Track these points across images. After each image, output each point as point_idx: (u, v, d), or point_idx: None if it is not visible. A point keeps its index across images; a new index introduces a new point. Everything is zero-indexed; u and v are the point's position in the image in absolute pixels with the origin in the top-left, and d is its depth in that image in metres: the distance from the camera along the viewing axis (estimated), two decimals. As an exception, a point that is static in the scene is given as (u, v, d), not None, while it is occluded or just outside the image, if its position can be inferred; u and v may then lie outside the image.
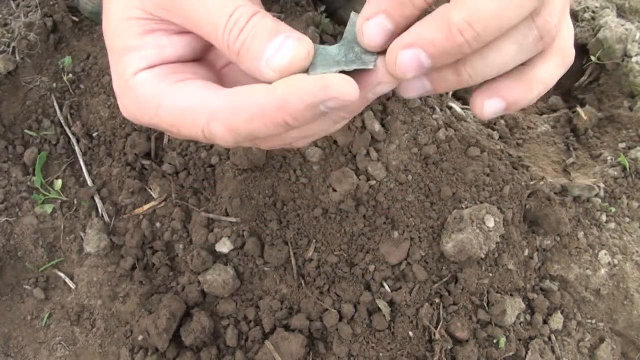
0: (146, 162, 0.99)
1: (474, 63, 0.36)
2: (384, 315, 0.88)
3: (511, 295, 0.95)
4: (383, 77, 0.37)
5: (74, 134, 1.02)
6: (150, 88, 0.39)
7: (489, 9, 0.33)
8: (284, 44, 0.35)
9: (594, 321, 0.99)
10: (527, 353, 0.93)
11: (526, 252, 0.98)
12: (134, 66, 0.39)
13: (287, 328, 0.88)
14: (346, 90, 0.34)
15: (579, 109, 1.18)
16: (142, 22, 0.39)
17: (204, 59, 0.45)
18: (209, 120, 0.36)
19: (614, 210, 1.04)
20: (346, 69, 0.36)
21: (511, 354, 0.92)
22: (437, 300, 0.92)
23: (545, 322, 0.97)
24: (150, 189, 0.98)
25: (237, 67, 0.41)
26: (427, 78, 0.38)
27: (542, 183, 1.00)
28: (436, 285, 0.92)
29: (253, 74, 0.37)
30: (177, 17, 0.38)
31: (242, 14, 0.36)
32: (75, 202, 0.98)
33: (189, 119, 0.37)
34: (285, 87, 0.34)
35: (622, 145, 1.11)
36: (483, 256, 0.92)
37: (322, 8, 1.16)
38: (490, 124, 1.12)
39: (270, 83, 0.35)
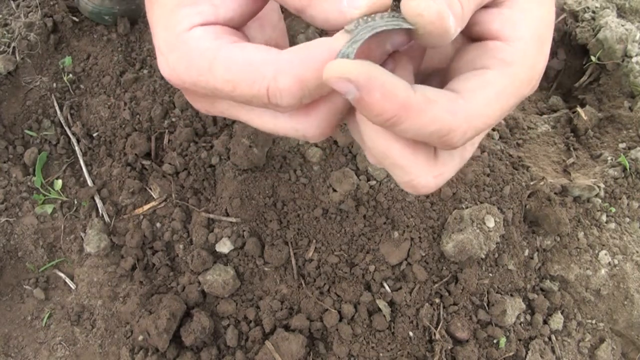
0: (146, 162, 0.99)
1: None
2: (384, 315, 0.88)
3: (511, 295, 0.95)
4: None
5: (74, 134, 1.02)
6: (205, 43, 0.37)
7: (491, 118, 0.36)
8: None
9: (594, 321, 0.99)
10: (527, 353, 0.93)
11: (526, 252, 0.98)
12: (187, 20, 0.38)
13: (287, 328, 0.88)
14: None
15: (579, 109, 1.18)
16: None
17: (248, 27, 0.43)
18: (276, 74, 0.34)
19: (614, 210, 1.04)
20: (380, 29, 0.35)
21: (511, 354, 0.92)
22: (437, 300, 0.92)
23: (545, 322, 0.97)
24: (150, 189, 0.98)
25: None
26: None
27: (542, 183, 1.00)
28: (436, 285, 0.92)
29: (327, 16, 0.35)
30: None
31: None
32: (75, 202, 0.98)
33: (250, 74, 0.35)
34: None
35: (622, 145, 1.11)
36: (483, 256, 0.92)
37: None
38: (490, 124, 1.12)
39: (343, 27, 0.35)
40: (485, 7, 0.39)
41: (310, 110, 0.37)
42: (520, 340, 0.94)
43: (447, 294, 0.92)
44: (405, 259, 0.92)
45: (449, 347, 0.89)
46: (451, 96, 0.36)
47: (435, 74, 0.44)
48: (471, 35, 0.40)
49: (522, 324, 0.95)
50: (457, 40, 0.41)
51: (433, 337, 0.90)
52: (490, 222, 0.91)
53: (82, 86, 1.05)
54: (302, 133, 0.39)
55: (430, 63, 0.45)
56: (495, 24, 0.39)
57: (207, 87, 0.37)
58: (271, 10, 0.45)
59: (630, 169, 1.05)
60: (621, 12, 1.29)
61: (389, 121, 0.34)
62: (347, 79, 0.32)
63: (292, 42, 1.00)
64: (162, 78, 1.04)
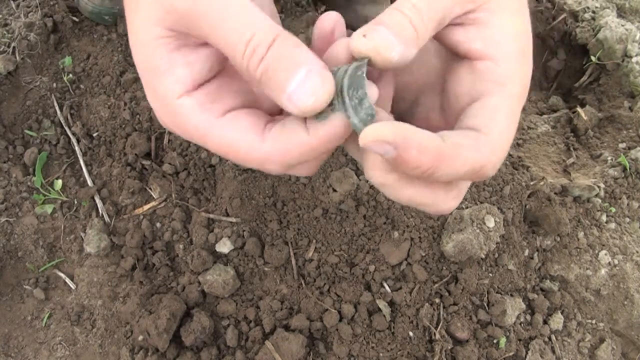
0: (146, 162, 0.99)
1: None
2: (384, 315, 0.88)
3: (511, 295, 0.95)
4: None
5: (74, 134, 1.02)
6: (194, 119, 0.40)
7: (510, 140, 0.39)
8: (307, 80, 0.36)
9: (594, 321, 0.99)
10: (527, 353, 0.93)
11: (526, 252, 0.98)
12: (171, 90, 0.40)
13: (287, 328, 0.88)
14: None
15: (579, 109, 1.18)
16: (168, 41, 0.40)
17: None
18: (263, 161, 0.39)
19: (614, 210, 1.04)
20: (355, 122, 0.38)
21: (511, 354, 0.92)
22: (437, 300, 0.92)
23: (545, 322, 0.96)
24: (150, 189, 0.98)
25: None
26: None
27: (542, 183, 1.00)
28: (436, 285, 0.92)
29: (275, 100, 0.38)
30: (198, 31, 0.38)
31: (261, 40, 0.36)
32: (75, 202, 0.98)
33: (242, 156, 0.40)
34: (325, 129, 0.38)
35: (622, 145, 1.11)
36: (483, 256, 0.92)
37: (322, 8, 1.16)
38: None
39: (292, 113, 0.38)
40: (462, 24, 0.41)
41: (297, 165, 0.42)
42: (520, 340, 0.94)
43: (447, 294, 0.92)
44: (405, 259, 0.92)
45: (449, 347, 0.89)
46: (474, 135, 0.39)
47: (429, 90, 0.47)
48: (456, 53, 0.43)
49: (522, 324, 0.95)
50: (442, 55, 0.45)
51: (433, 337, 0.90)
52: (490, 222, 0.91)
53: (82, 86, 1.05)
54: (292, 174, 0.44)
55: (419, 77, 0.47)
56: (477, 43, 0.41)
57: (203, 146, 0.43)
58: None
59: (630, 169, 1.05)
60: (621, 12, 1.29)
61: (426, 172, 0.37)
62: (385, 141, 0.35)
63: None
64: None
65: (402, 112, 0.48)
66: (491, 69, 0.41)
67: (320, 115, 0.38)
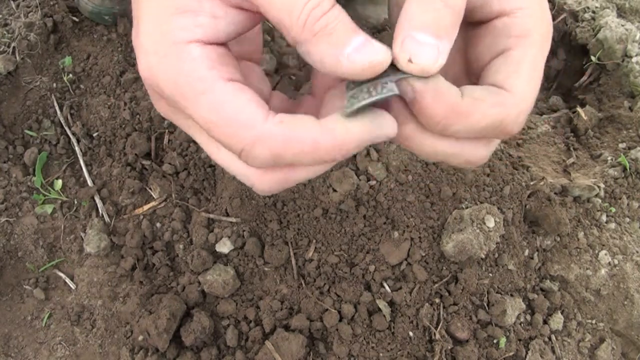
0: (146, 162, 0.99)
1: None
2: (384, 315, 0.88)
3: (511, 295, 0.95)
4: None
5: (74, 134, 1.02)
6: (200, 69, 0.36)
7: (535, 91, 0.38)
8: (367, 45, 0.36)
9: (594, 321, 0.99)
10: (527, 353, 0.93)
11: (526, 252, 0.98)
12: (186, 33, 0.37)
13: (287, 328, 0.88)
14: (392, 129, 0.37)
15: (579, 109, 1.18)
16: None
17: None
18: (255, 141, 0.35)
19: (614, 210, 1.04)
20: (377, 98, 0.37)
21: (511, 354, 0.92)
22: (437, 300, 0.92)
23: (545, 322, 0.96)
24: (150, 189, 0.98)
25: (244, 70, 0.42)
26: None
27: (542, 183, 1.00)
28: (436, 285, 0.92)
29: (324, 58, 0.36)
30: None
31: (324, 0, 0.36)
32: (75, 202, 0.98)
33: (231, 128, 0.36)
34: (344, 129, 0.36)
35: (622, 145, 1.11)
36: (483, 256, 0.92)
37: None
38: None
39: (340, 74, 0.36)
40: None
41: (269, 171, 0.39)
42: (520, 340, 0.94)
43: (447, 294, 0.92)
44: (405, 259, 0.92)
45: (449, 347, 0.89)
46: (494, 91, 0.38)
47: (451, 62, 0.45)
48: (475, 20, 0.42)
49: (522, 324, 0.95)
50: (461, 26, 0.43)
51: (433, 337, 0.90)
52: (490, 222, 0.91)
53: (82, 86, 1.05)
54: (252, 183, 0.40)
55: None
56: (493, 4, 0.40)
57: (182, 109, 0.37)
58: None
59: (630, 169, 1.05)
60: (621, 12, 1.29)
61: (440, 123, 0.36)
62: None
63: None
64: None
65: None
66: (509, 24, 0.40)
67: (349, 112, 0.37)
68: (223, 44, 0.39)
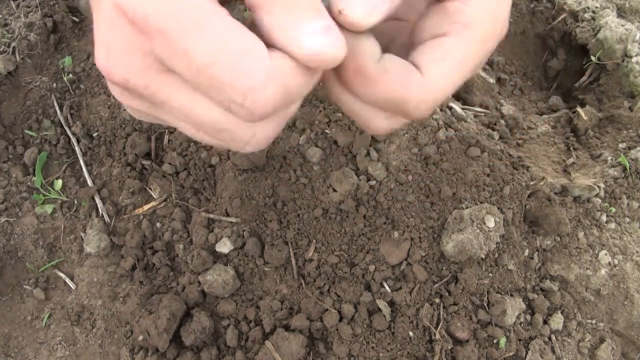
0: (146, 162, 0.99)
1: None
2: (384, 315, 0.88)
3: (511, 295, 0.95)
4: None
5: (74, 134, 1.02)
6: None
7: (448, 87, 0.38)
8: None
9: (594, 321, 0.99)
10: (527, 353, 0.93)
11: (526, 252, 0.98)
12: None
13: (287, 328, 0.88)
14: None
15: (579, 109, 1.18)
16: None
17: None
18: (267, 79, 0.31)
19: (614, 210, 1.04)
20: None
21: (511, 354, 0.92)
22: (437, 300, 0.92)
23: (545, 322, 0.97)
24: (150, 189, 0.98)
25: None
26: None
27: (542, 183, 1.00)
28: (436, 285, 0.92)
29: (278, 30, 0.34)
30: None
31: None
32: (75, 202, 0.98)
33: (241, 65, 0.31)
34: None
35: (622, 145, 1.11)
36: (483, 256, 0.92)
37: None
38: (490, 124, 1.12)
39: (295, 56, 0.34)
40: None
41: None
42: (520, 340, 0.94)
43: (447, 294, 0.92)
44: (405, 259, 0.92)
45: (449, 347, 0.89)
46: (409, 69, 0.37)
47: (406, 31, 0.45)
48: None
49: (522, 324, 0.95)
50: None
51: (433, 337, 0.90)
52: (490, 222, 0.91)
53: (82, 86, 1.05)
54: (248, 139, 0.37)
55: (403, 18, 0.45)
56: None
57: (176, 46, 0.31)
58: None
59: (630, 169, 1.05)
60: (621, 12, 1.29)
61: (347, 84, 0.36)
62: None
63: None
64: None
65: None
66: (460, 10, 0.38)
67: None
68: None
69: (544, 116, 1.21)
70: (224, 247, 0.91)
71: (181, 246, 0.93)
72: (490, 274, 0.94)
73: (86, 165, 1.00)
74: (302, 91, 0.35)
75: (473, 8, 0.38)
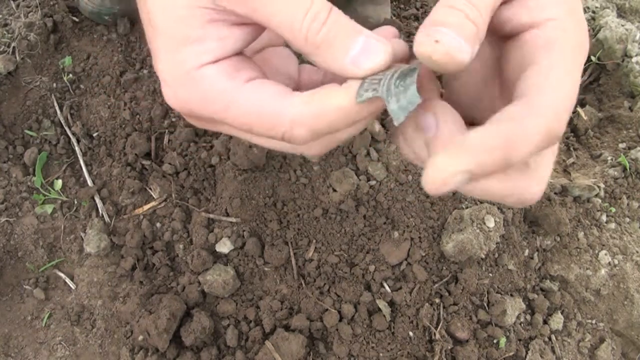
0: (146, 162, 0.99)
1: None
2: (384, 315, 0.88)
3: (511, 295, 0.95)
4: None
5: (74, 134, 1.02)
6: (220, 84, 0.39)
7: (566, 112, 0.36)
8: (369, 45, 0.37)
9: (594, 321, 0.99)
10: (527, 353, 0.93)
11: (526, 252, 0.98)
12: (196, 59, 0.39)
13: (287, 328, 0.88)
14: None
15: (579, 109, 1.18)
16: (206, 12, 0.39)
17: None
18: (292, 125, 0.37)
19: (614, 210, 1.04)
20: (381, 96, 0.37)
21: (511, 354, 0.92)
22: (437, 300, 0.92)
23: (545, 322, 0.96)
24: (150, 189, 0.98)
25: (268, 55, 0.45)
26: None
27: (542, 183, 1.00)
28: (436, 285, 0.92)
29: (330, 67, 0.38)
30: (244, 7, 0.38)
31: (322, 7, 0.37)
32: (75, 202, 0.98)
33: (268, 122, 0.38)
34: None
35: (622, 145, 1.11)
36: (483, 256, 0.92)
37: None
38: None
39: (348, 77, 0.37)
40: (505, 3, 0.39)
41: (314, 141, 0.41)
42: (520, 340, 0.94)
43: (447, 294, 0.92)
44: (405, 259, 0.92)
45: (449, 347, 0.89)
46: (526, 101, 0.36)
47: (490, 81, 0.44)
48: (506, 34, 0.40)
49: (522, 324, 0.95)
50: (492, 41, 0.42)
51: (433, 337, 0.89)
52: (490, 222, 0.91)
53: (82, 86, 1.05)
54: (301, 152, 0.43)
55: (476, 70, 0.44)
56: (523, 16, 0.39)
57: (222, 122, 0.40)
58: None
59: (630, 169, 1.05)
60: (621, 12, 1.29)
61: (502, 165, 0.34)
62: (465, 171, 0.33)
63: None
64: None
65: (465, 107, 0.44)
66: (538, 35, 0.38)
67: (360, 98, 0.37)
68: (238, 56, 0.41)
69: (544, 116, 1.21)
70: (224, 247, 0.91)
71: (181, 246, 0.93)
72: (490, 274, 0.94)
73: (86, 165, 1.00)
74: (335, 124, 0.38)
75: (553, 30, 0.38)
